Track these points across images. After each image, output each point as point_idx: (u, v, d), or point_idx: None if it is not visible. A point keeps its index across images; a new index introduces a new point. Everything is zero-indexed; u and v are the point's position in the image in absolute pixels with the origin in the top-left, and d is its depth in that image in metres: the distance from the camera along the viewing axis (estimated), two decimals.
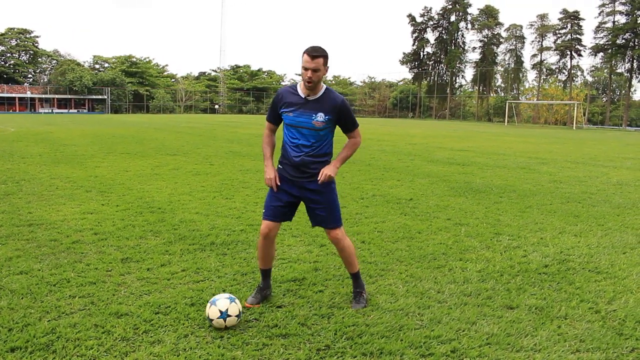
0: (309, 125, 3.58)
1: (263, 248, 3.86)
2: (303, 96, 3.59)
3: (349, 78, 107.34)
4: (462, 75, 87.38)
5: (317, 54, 3.45)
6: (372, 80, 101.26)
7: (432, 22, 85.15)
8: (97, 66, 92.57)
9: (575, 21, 72.99)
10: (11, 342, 3.17)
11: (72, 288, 4.08)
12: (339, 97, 3.63)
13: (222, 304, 3.39)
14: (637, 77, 68.16)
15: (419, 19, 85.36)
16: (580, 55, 73.87)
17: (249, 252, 5.11)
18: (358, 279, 3.93)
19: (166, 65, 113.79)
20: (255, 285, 4.20)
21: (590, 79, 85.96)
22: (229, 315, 3.38)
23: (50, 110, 78.28)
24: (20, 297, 3.87)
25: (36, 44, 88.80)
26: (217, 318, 3.36)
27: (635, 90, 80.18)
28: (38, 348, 3.12)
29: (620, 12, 66.48)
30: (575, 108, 61.13)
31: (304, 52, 3.47)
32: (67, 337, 3.25)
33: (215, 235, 5.68)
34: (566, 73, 75.99)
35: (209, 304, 3.46)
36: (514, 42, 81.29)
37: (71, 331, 3.33)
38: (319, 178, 3.68)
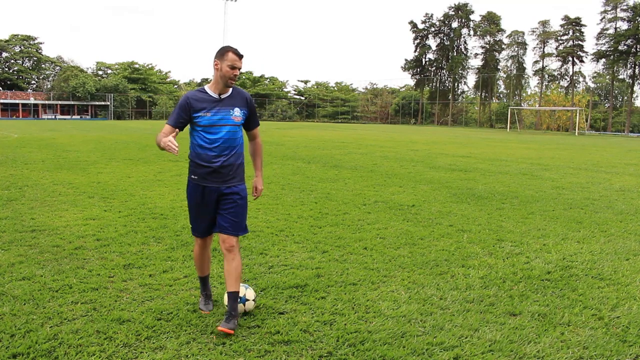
0: (229, 122, 3.57)
1: (201, 258, 3.90)
2: (216, 96, 3.58)
3: (351, 84, 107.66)
4: (464, 82, 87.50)
5: (242, 54, 3.57)
6: (374, 86, 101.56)
7: (433, 29, 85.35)
8: (100, 72, 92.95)
9: (577, 27, 73.10)
10: (13, 348, 3.17)
11: (75, 294, 4.08)
12: (246, 92, 3.73)
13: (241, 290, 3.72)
14: (639, 83, 68.17)
15: (420, 26, 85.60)
16: (582, 61, 73.95)
17: (251, 259, 5.11)
18: (236, 300, 3.60)
19: (169, 71, 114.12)
20: (258, 291, 4.20)
21: (592, 85, 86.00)
22: (247, 300, 3.72)
23: (53, 117, 78.55)
24: (22, 303, 3.87)
25: (40, 51, 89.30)
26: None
27: (637, 97, 79.89)
28: (40, 354, 3.12)
29: (622, 19, 66.56)
30: (578, 114, 61.10)
31: (230, 51, 3.52)
32: (69, 344, 3.25)
33: (217, 242, 5.67)
34: (568, 79, 76.06)
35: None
36: (516, 49, 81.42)
37: (73, 337, 3.33)
38: (254, 194, 3.88)
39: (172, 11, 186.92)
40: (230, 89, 3.62)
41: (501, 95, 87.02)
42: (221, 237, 3.66)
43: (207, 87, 3.62)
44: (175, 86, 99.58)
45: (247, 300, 3.71)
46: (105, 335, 3.38)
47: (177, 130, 3.52)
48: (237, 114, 3.60)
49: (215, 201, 3.64)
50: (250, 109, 3.70)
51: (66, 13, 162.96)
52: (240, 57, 3.55)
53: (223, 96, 3.58)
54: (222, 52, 3.52)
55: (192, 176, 3.65)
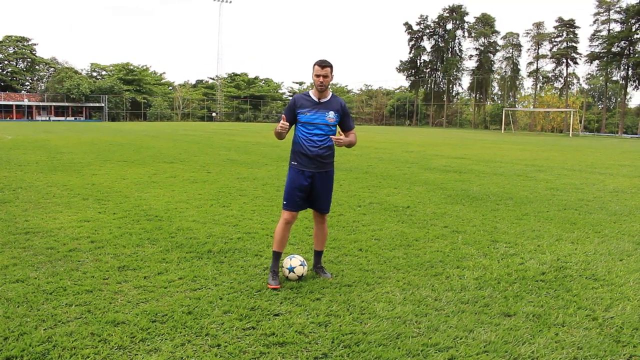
0: (323, 121, 4.44)
1: (283, 232, 4.54)
2: (316, 99, 4.47)
3: (346, 86, 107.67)
4: (459, 83, 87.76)
5: (325, 64, 4.39)
6: (369, 88, 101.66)
7: (428, 30, 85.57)
8: (94, 74, 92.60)
9: (571, 29, 73.45)
10: (7, 351, 3.15)
11: (69, 296, 4.06)
12: (342, 99, 4.65)
13: (287, 262, 4.55)
14: (632, 85, 68.53)
15: (415, 27, 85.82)
16: (576, 63, 74.32)
17: (246, 260, 5.10)
18: (321, 255, 4.83)
19: (164, 73, 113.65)
20: (253, 292, 4.20)
21: (586, 86, 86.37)
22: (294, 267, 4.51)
23: (47, 118, 78.21)
24: (16, 306, 3.85)
25: (34, 52, 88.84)
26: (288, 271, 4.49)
27: (630, 98, 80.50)
28: (34, 357, 3.10)
29: (615, 21, 66.98)
30: (572, 115, 61.37)
31: (315, 64, 4.38)
32: (64, 346, 3.23)
33: (213, 244, 5.67)
34: (562, 81, 76.39)
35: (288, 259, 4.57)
36: (511, 50, 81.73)
37: (67, 340, 3.32)
38: (340, 138, 4.44)
39: (167, 12, 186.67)
40: (330, 95, 4.52)
41: (496, 97, 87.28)
42: (317, 213, 4.68)
43: (311, 92, 4.52)
44: (170, 87, 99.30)
45: (294, 267, 4.49)
46: (99, 337, 3.37)
47: (287, 124, 4.42)
48: (331, 116, 4.48)
49: (311, 183, 4.46)
50: (344, 113, 4.58)
51: (60, 14, 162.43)
52: (324, 66, 4.35)
53: (322, 100, 4.48)
54: (313, 66, 4.39)
55: (293, 162, 4.52)
